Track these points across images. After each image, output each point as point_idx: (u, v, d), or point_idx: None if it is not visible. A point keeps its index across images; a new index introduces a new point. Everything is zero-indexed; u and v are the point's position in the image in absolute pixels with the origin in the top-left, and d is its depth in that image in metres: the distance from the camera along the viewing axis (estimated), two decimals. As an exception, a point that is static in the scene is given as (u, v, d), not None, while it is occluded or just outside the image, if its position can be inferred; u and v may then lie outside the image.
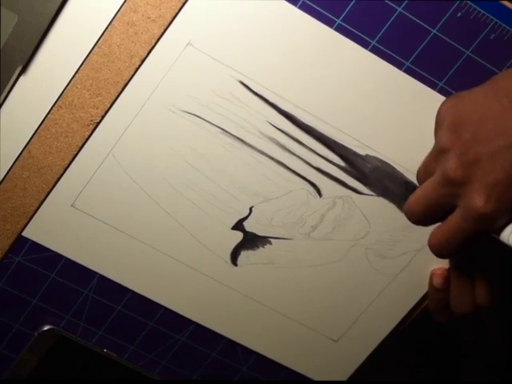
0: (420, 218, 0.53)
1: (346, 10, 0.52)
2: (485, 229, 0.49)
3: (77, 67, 0.53)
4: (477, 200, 0.47)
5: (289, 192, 0.57)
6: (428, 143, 0.53)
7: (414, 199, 0.52)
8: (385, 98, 0.55)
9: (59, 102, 0.53)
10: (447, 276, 0.58)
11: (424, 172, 0.53)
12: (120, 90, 0.53)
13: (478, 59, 0.54)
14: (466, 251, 0.52)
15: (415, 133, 0.55)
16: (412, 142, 0.56)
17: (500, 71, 0.54)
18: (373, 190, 0.57)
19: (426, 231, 0.58)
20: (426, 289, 0.60)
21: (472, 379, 0.59)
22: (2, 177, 0.55)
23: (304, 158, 0.56)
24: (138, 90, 0.54)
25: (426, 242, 0.58)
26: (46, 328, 0.61)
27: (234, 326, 0.62)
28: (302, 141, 0.56)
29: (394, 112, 0.55)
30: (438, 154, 0.51)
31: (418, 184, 0.55)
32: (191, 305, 0.61)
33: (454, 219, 0.50)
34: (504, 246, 0.50)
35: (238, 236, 0.59)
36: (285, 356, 0.63)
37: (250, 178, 0.57)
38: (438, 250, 0.52)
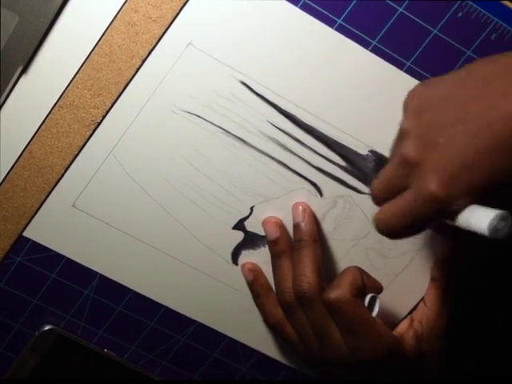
0: (380, 200, 0.49)
1: (347, 10, 0.52)
2: (435, 213, 0.46)
3: (78, 67, 0.53)
4: (428, 181, 0.45)
5: (290, 192, 0.57)
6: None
7: (376, 181, 0.50)
8: (385, 97, 0.55)
9: (60, 102, 0.53)
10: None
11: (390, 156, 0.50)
12: (121, 90, 0.53)
13: (479, 59, 0.54)
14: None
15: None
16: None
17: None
18: (374, 190, 0.57)
19: (428, 231, 0.58)
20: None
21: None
22: (3, 177, 0.55)
23: (305, 157, 0.56)
24: (139, 90, 0.54)
25: (426, 242, 0.59)
26: (46, 328, 0.61)
27: (235, 325, 0.62)
28: (303, 140, 0.56)
29: (395, 112, 0.55)
30: (398, 138, 0.49)
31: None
32: (192, 304, 0.61)
33: (404, 198, 0.47)
34: (458, 231, 0.46)
35: (239, 236, 0.59)
36: (286, 355, 0.63)
37: (250, 178, 0.57)
38: (383, 226, 0.48)
